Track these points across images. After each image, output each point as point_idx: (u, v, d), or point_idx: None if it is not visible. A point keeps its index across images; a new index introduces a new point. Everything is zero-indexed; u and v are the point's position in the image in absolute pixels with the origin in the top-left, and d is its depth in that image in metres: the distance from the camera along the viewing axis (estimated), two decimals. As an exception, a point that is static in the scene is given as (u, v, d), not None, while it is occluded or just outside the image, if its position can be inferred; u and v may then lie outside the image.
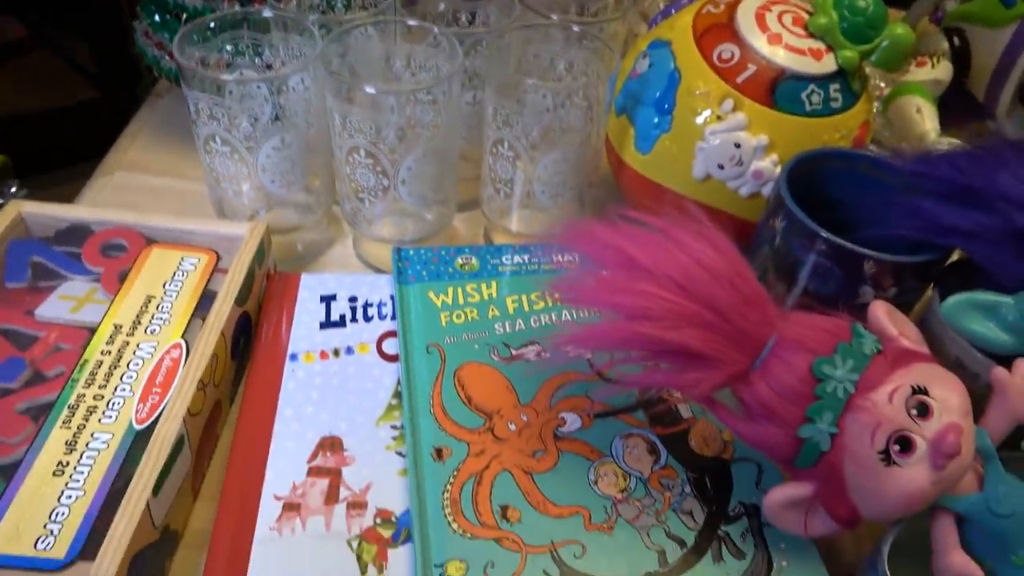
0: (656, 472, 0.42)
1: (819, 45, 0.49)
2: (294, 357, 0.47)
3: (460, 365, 0.46)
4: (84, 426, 0.39)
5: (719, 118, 0.49)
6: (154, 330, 0.44)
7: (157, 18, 0.59)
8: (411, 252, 0.53)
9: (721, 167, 0.49)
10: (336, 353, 0.47)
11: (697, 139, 0.50)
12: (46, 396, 0.41)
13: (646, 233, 0.39)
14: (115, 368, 0.42)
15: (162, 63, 0.61)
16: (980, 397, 0.37)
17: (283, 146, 0.49)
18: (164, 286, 0.47)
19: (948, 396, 0.35)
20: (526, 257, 0.54)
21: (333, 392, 0.45)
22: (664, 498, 0.41)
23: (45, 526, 0.35)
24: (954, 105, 0.70)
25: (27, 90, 1.69)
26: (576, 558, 0.38)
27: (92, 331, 0.44)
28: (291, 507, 0.39)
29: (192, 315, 0.45)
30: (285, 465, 0.41)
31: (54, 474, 0.37)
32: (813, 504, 0.37)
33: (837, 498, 0.36)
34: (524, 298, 0.51)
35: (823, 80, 0.49)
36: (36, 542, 0.34)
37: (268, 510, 0.39)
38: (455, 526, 0.38)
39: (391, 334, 0.49)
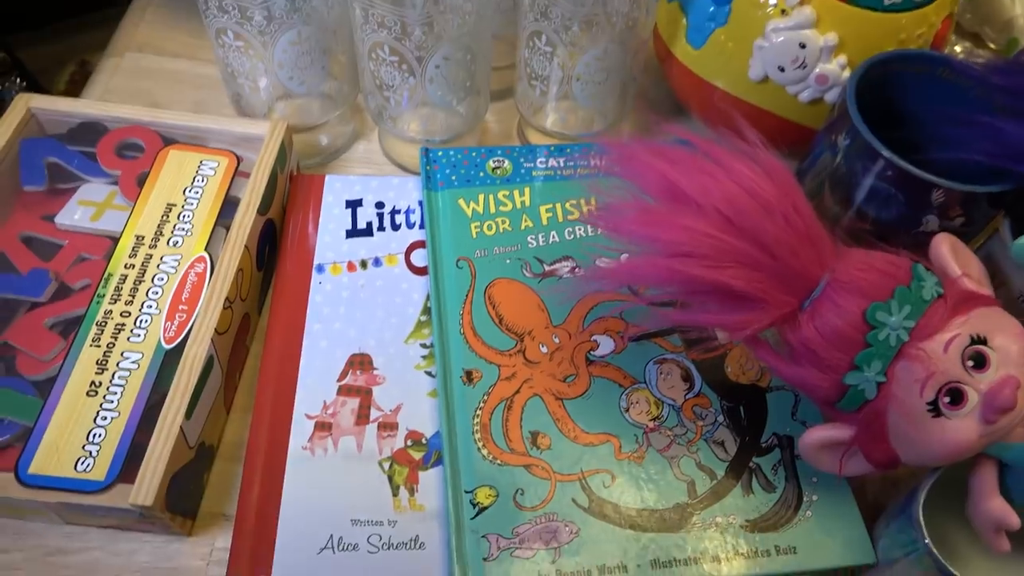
0: (689, 400, 0.41)
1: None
2: (320, 268, 0.46)
3: (491, 282, 0.44)
4: (114, 344, 0.39)
5: (783, 12, 0.43)
6: (177, 242, 0.43)
7: None
8: (440, 154, 0.50)
9: (781, 69, 0.45)
10: (363, 265, 0.46)
11: (756, 35, 0.45)
12: (74, 311, 0.40)
13: (694, 157, 0.36)
14: (140, 283, 0.41)
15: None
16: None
17: (300, 40, 0.45)
18: (184, 192, 0.45)
19: (1008, 345, 0.33)
20: (562, 160, 0.50)
21: (361, 307, 0.44)
22: (696, 428, 0.40)
23: (83, 447, 0.36)
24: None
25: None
26: (605, 487, 0.38)
27: (115, 241, 0.43)
28: (323, 427, 0.40)
29: (215, 225, 0.44)
30: (315, 383, 0.41)
31: (88, 394, 0.37)
32: (851, 446, 0.36)
33: (877, 443, 0.35)
34: (559, 207, 0.48)
35: (908, -34, 0.43)
36: (76, 463, 0.35)
37: (300, 429, 0.40)
38: (485, 452, 0.38)
39: (420, 244, 0.47)
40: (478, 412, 0.40)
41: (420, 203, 0.49)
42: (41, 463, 0.35)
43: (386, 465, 0.39)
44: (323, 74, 0.49)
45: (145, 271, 0.41)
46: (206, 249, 0.43)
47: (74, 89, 0.95)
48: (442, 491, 0.38)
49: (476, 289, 0.44)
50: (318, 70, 0.48)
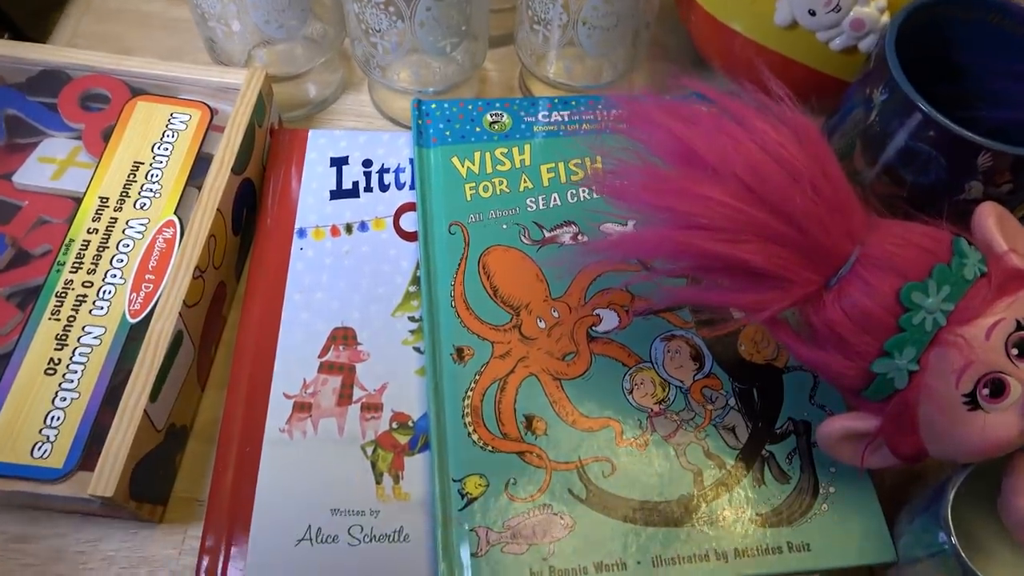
0: (699, 381, 0.38)
1: None
2: (302, 233, 0.42)
3: (486, 249, 0.41)
4: (74, 318, 0.36)
5: (817, -53, 0.39)
6: (144, 204, 0.39)
7: None
8: (433, 106, 0.46)
9: (812, 12, 0.40)
10: (348, 229, 0.42)
11: (785, -26, 0.40)
12: (32, 280, 0.37)
13: (713, 115, 0.32)
14: (103, 250, 0.38)
15: None
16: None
17: (275, -22, 0.41)
18: (153, 149, 0.41)
19: (1059, 332, 0.30)
20: (566, 114, 0.46)
21: (345, 275, 0.41)
22: (705, 412, 0.37)
23: (40, 431, 0.33)
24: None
25: None
26: (604, 477, 0.35)
27: (77, 202, 0.39)
28: (302, 407, 0.37)
29: (186, 184, 0.40)
30: (294, 360, 0.38)
31: (46, 372, 0.34)
32: (875, 438, 0.33)
33: (905, 436, 0.32)
34: (561, 167, 0.44)
35: None
36: (32, 449, 0.33)
37: (278, 410, 0.37)
38: (475, 437, 0.35)
39: (409, 207, 0.43)
40: (469, 393, 0.37)
41: (411, 161, 0.45)
42: (-5, 448, 0.32)
43: (369, 450, 0.36)
44: (304, 16, 0.44)
45: (109, 237, 0.38)
46: (176, 212, 0.39)
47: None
48: (429, 479, 0.35)
49: (469, 257, 0.40)
50: (298, 12, 0.43)
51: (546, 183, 0.43)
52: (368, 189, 0.44)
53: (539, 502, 0.34)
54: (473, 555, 0.33)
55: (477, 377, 0.37)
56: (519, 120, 0.46)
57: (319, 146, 0.45)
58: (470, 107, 0.46)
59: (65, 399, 0.34)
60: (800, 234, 0.30)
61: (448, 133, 0.45)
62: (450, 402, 0.36)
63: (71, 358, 0.35)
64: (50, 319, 0.36)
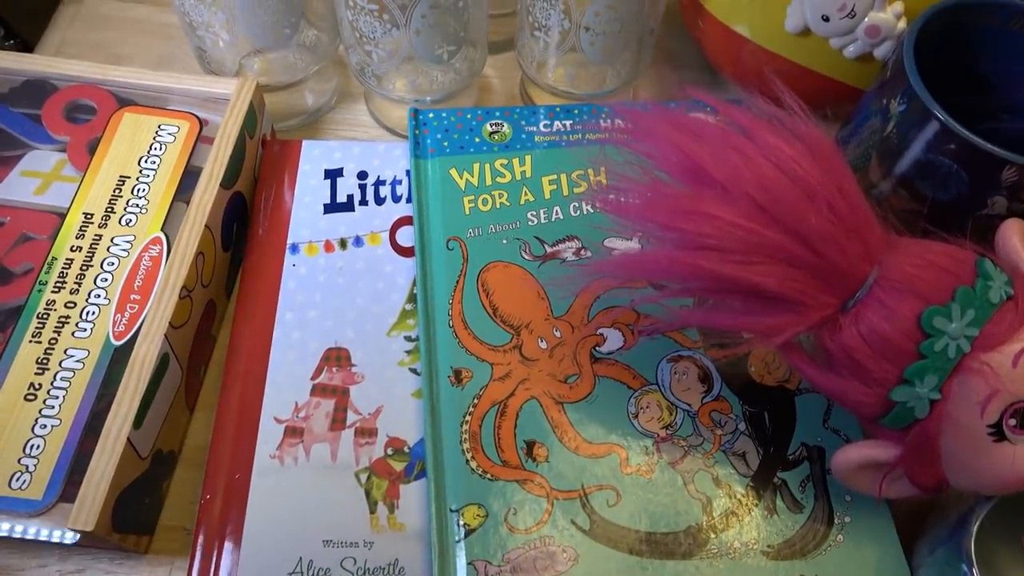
0: (707, 405, 0.36)
1: None
2: (295, 248, 0.41)
3: (485, 266, 0.39)
4: (56, 340, 0.34)
5: (830, -50, 0.37)
6: (130, 220, 0.38)
7: None
8: (431, 115, 0.44)
9: (825, 18, 0.38)
10: (343, 244, 0.41)
11: (797, -21, 0.38)
12: (13, 300, 0.36)
13: (722, 129, 0.30)
14: (87, 268, 0.36)
15: None
16: None
17: (264, -15, 0.39)
18: (140, 163, 0.40)
19: (1091, 359, 0.28)
20: (568, 123, 0.45)
21: (339, 293, 0.39)
22: (714, 437, 0.35)
23: (19, 460, 0.31)
24: None
25: None
26: (609, 506, 0.33)
27: (61, 218, 0.38)
28: (293, 432, 0.35)
29: (173, 200, 0.39)
30: (286, 382, 0.37)
31: (26, 398, 0.33)
32: (894, 468, 0.31)
33: (926, 467, 0.30)
34: (563, 178, 0.42)
35: None
36: (10, 479, 0.31)
37: (268, 435, 0.35)
38: (474, 464, 0.34)
39: (406, 221, 0.42)
40: (467, 418, 0.35)
41: (408, 173, 0.43)
42: (-30, 479, 0.31)
43: (363, 477, 0.35)
44: (296, 24, 0.43)
45: (94, 254, 0.37)
46: (163, 229, 0.38)
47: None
48: (425, 508, 0.34)
49: (468, 274, 0.39)
50: (290, 20, 0.42)
51: (548, 196, 0.42)
52: (363, 202, 0.42)
53: (540, 534, 0.33)
54: (471, 591, 0.31)
55: (476, 401, 0.35)
56: (520, 130, 0.44)
57: (313, 157, 0.44)
58: (469, 116, 0.44)
59: (45, 426, 0.32)
60: (815, 255, 0.29)
61: (446, 144, 0.43)
62: (448, 427, 0.35)
63: (52, 383, 0.33)
64: (31, 342, 0.34)
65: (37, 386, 0.33)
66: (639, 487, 0.34)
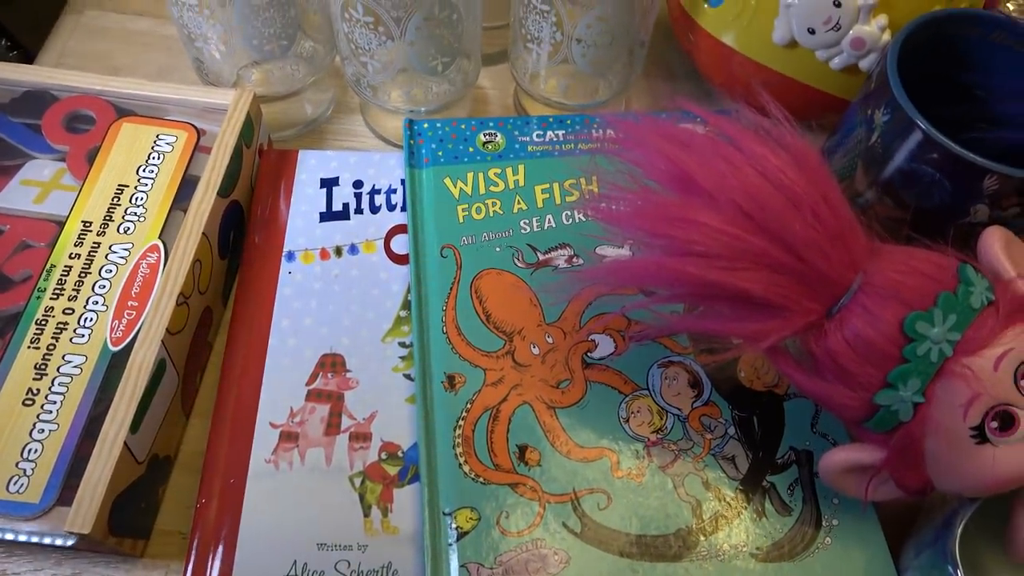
0: (697, 409, 0.37)
1: None
2: (291, 256, 0.41)
3: (478, 273, 0.40)
4: (54, 346, 0.35)
5: (815, -36, 0.38)
6: (128, 228, 0.38)
7: None
8: (426, 126, 0.45)
9: (811, 31, 0.39)
10: (338, 252, 0.42)
11: (783, -8, 0.39)
12: (12, 307, 0.36)
13: (710, 139, 0.31)
14: (86, 275, 0.37)
15: None
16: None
17: (261, -1, 0.40)
18: (138, 172, 0.40)
19: (1070, 362, 0.29)
20: (560, 133, 0.45)
21: (334, 300, 0.40)
22: (704, 441, 0.36)
23: (17, 464, 0.32)
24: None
25: None
26: (600, 509, 0.34)
27: (60, 226, 0.38)
28: (288, 437, 0.36)
29: (171, 208, 0.39)
30: (281, 387, 0.37)
31: (24, 403, 0.33)
32: (880, 471, 0.32)
33: (911, 470, 0.31)
34: (556, 187, 0.43)
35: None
36: (8, 483, 0.31)
37: (263, 439, 0.36)
38: (466, 468, 0.34)
39: (401, 229, 0.42)
40: (460, 423, 0.35)
41: (402, 182, 0.44)
42: (-32, 483, 0.31)
43: (357, 481, 0.35)
44: (293, 36, 0.43)
45: (92, 262, 0.37)
46: (160, 237, 0.38)
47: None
48: (418, 512, 0.34)
49: (461, 281, 0.40)
50: (284, 33, 0.43)
51: (540, 204, 0.42)
52: (359, 211, 0.43)
53: (532, 536, 0.33)
54: (464, 593, 0.32)
55: (469, 406, 0.36)
56: (513, 140, 0.45)
57: (309, 167, 0.44)
58: (463, 127, 0.45)
59: (43, 431, 0.33)
60: (800, 262, 0.29)
61: (441, 153, 0.44)
62: (441, 432, 0.35)
63: (50, 388, 0.34)
64: (29, 347, 0.35)
65: (35, 391, 0.34)
66: (630, 491, 0.34)
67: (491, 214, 0.42)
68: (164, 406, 0.36)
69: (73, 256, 0.37)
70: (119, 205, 0.39)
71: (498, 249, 0.41)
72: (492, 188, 0.43)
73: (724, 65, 0.43)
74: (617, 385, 0.37)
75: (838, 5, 0.37)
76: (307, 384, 0.37)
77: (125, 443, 0.32)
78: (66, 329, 0.35)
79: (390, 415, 0.37)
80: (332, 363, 0.38)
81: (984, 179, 0.33)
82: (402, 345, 0.39)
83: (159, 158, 0.41)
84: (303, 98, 0.48)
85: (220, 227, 0.40)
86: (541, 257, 0.41)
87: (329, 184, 0.44)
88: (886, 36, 0.38)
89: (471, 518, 0.33)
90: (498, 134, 0.45)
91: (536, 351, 0.38)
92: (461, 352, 0.37)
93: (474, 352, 0.37)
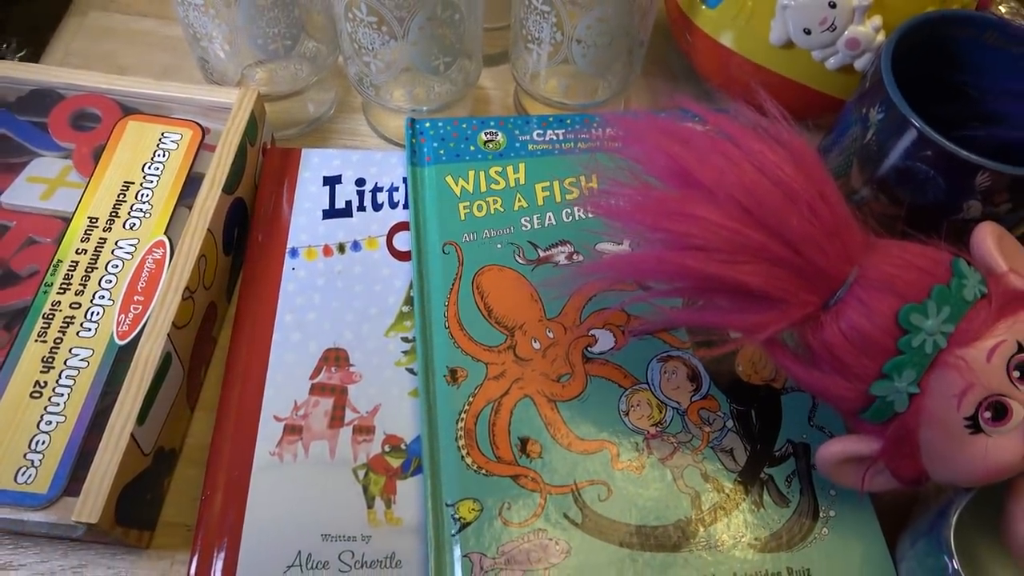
0: (696, 403, 0.37)
1: None
2: (294, 253, 0.42)
3: (480, 269, 0.40)
4: (61, 340, 0.35)
5: (811, -34, 0.39)
6: (134, 224, 0.39)
7: None
8: (427, 125, 0.45)
9: (807, 31, 0.40)
10: (341, 248, 0.42)
11: (780, -7, 0.40)
12: (19, 301, 0.36)
13: (710, 137, 0.32)
14: (92, 270, 0.37)
15: None
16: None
17: (267, -2, 0.40)
18: (143, 169, 0.41)
19: (1061, 354, 0.29)
20: (560, 133, 0.46)
21: (338, 296, 0.40)
22: (703, 434, 0.36)
23: (25, 456, 0.32)
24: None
25: None
26: (600, 500, 0.34)
27: (66, 222, 0.39)
28: (293, 430, 0.36)
29: (176, 204, 0.40)
30: (285, 381, 0.38)
31: (31, 395, 0.34)
32: (876, 462, 0.32)
33: (906, 460, 0.31)
34: (556, 185, 0.44)
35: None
36: (16, 474, 0.32)
37: (268, 432, 0.36)
38: (469, 460, 0.35)
39: (403, 226, 0.43)
40: (462, 416, 0.36)
41: (404, 180, 0.45)
42: (-23, 473, 0.32)
43: (361, 473, 0.35)
44: (296, 36, 0.44)
45: (98, 257, 0.38)
46: (166, 233, 0.39)
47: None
48: (421, 503, 0.34)
49: (463, 277, 0.40)
50: (288, 33, 0.43)
51: (541, 202, 0.43)
52: (361, 208, 0.43)
53: (534, 527, 0.33)
54: (466, 582, 0.32)
55: (471, 399, 0.36)
56: (513, 139, 0.45)
57: (312, 165, 0.45)
58: (465, 126, 0.46)
59: (51, 423, 0.33)
60: (797, 256, 0.30)
61: (442, 152, 0.45)
62: (443, 424, 0.36)
63: (57, 381, 0.34)
64: (37, 341, 0.35)
65: (43, 384, 0.34)
66: (630, 482, 0.35)
67: (492, 211, 0.42)
68: (169, 400, 0.36)
69: (79, 251, 0.38)
70: (125, 201, 0.40)
71: (499, 246, 0.41)
72: (493, 186, 0.43)
73: (722, 65, 0.44)
74: (617, 379, 0.38)
75: (833, 6, 0.38)
76: (311, 378, 0.38)
77: (132, 435, 0.33)
78: (73, 323, 0.36)
79: (393, 408, 0.37)
80: (336, 357, 0.38)
81: (976, 176, 0.33)
82: (405, 340, 0.39)
83: (164, 155, 0.41)
84: (306, 97, 0.48)
85: (224, 224, 0.40)
86: (542, 254, 0.41)
87: (332, 182, 0.44)
88: (880, 36, 0.39)
89: (473, 509, 0.34)
90: (499, 133, 0.45)
91: (537, 346, 0.38)
92: (463, 346, 0.38)
93: (476, 347, 0.38)
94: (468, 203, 0.43)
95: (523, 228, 0.42)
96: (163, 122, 0.42)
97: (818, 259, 0.30)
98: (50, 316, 0.36)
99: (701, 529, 0.34)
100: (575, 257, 0.41)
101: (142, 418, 0.33)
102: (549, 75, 0.47)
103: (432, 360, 0.37)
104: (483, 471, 0.35)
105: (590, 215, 0.42)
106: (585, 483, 0.35)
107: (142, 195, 0.40)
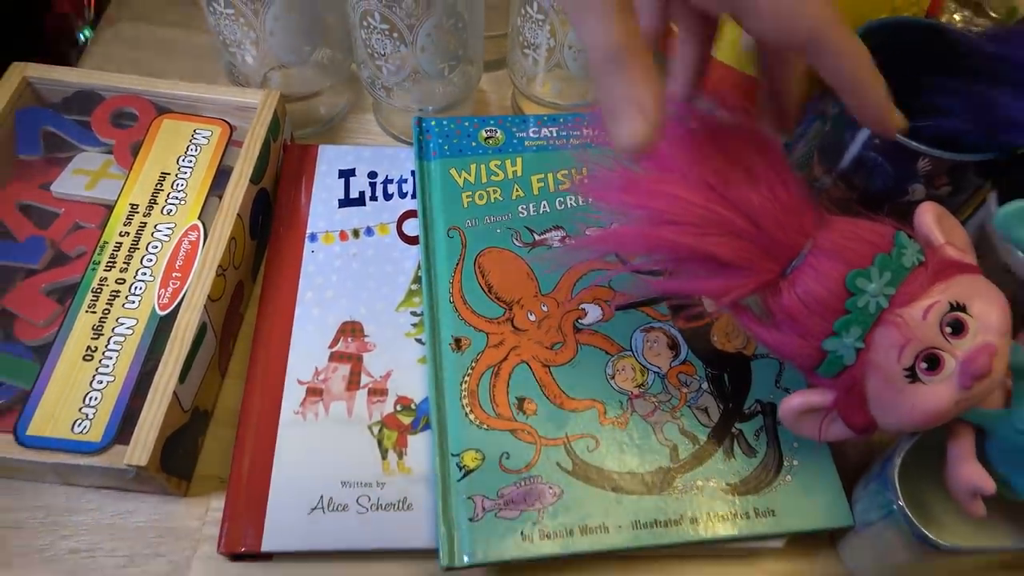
0: (675, 368, 0.42)
1: None
2: (313, 237, 0.46)
3: (481, 251, 0.45)
4: (109, 311, 0.39)
5: (776, -21, 0.43)
6: (170, 210, 0.43)
7: None
8: (433, 123, 0.50)
9: (773, 37, 0.44)
10: (355, 234, 0.46)
11: (748, 3, 0.44)
12: (70, 278, 0.41)
13: (683, 127, 0.36)
14: (134, 251, 0.42)
15: None
16: (1026, 306, 0.36)
17: (291, 9, 0.45)
18: (178, 161, 0.45)
19: (987, 313, 0.34)
20: (554, 130, 0.50)
21: (353, 276, 0.45)
22: (680, 395, 0.41)
23: (80, 410, 0.37)
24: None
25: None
26: (589, 451, 0.39)
27: (109, 209, 0.43)
28: (314, 392, 0.41)
29: (208, 193, 0.44)
30: (307, 350, 0.42)
31: (84, 359, 0.38)
32: (830, 412, 0.36)
33: (856, 409, 0.35)
34: (550, 177, 0.48)
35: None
36: (73, 425, 0.36)
37: (292, 394, 0.40)
38: (472, 417, 0.39)
39: (411, 214, 0.47)
40: (466, 378, 0.40)
41: (412, 173, 0.49)
42: (39, 425, 0.36)
43: (376, 429, 0.40)
44: (315, 43, 0.49)
45: (139, 239, 0.42)
46: (199, 218, 0.43)
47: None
48: (430, 454, 0.39)
49: (466, 258, 0.44)
50: (310, 40, 0.48)
51: (536, 192, 0.48)
52: (373, 198, 0.48)
53: (530, 473, 0.38)
54: (470, 520, 0.36)
55: (473, 364, 0.41)
56: (511, 135, 0.50)
57: (328, 159, 0.49)
58: (467, 124, 0.50)
59: (102, 382, 0.37)
60: (758, 229, 0.34)
61: (447, 147, 0.49)
62: (449, 386, 0.40)
63: (107, 346, 0.38)
64: (87, 312, 0.39)
65: (94, 348, 0.38)
66: (615, 435, 0.39)
67: (492, 200, 0.47)
68: (204, 365, 0.40)
69: (123, 234, 0.42)
70: (162, 190, 0.44)
71: (499, 231, 0.46)
72: (493, 178, 0.48)
73: (699, 68, 0.49)
74: (604, 347, 0.42)
75: (795, 14, 0.43)
76: (330, 347, 0.42)
77: (174, 392, 0.37)
78: (119, 296, 0.40)
79: (404, 373, 0.41)
80: (352, 329, 0.43)
81: (919, 161, 0.38)
82: (413, 314, 0.44)
83: (196, 150, 0.46)
84: (322, 99, 0.53)
85: (251, 210, 0.45)
86: (537, 237, 0.46)
87: (346, 175, 0.49)
88: (838, 41, 0.43)
89: (476, 458, 0.38)
90: (498, 130, 0.50)
91: (532, 318, 0.43)
92: (466, 319, 0.42)
93: (478, 319, 0.42)
94: (470, 193, 0.47)
95: (520, 215, 0.46)
96: (195, 120, 0.47)
97: (777, 233, 0.34)
98: (98, 290, 0.40)
99: (679, 476, 0.38)
100: (567, 240, 0.46)
101: (183, 378, 0.38)
102: (544, 79, 0.52)
103: (438, 331, 0.42)
104: (484, 426, 0.39)
105: (581, 203, 0.47)
106: (576, 436, 0.39)
107: (177, 184, 0.44)
